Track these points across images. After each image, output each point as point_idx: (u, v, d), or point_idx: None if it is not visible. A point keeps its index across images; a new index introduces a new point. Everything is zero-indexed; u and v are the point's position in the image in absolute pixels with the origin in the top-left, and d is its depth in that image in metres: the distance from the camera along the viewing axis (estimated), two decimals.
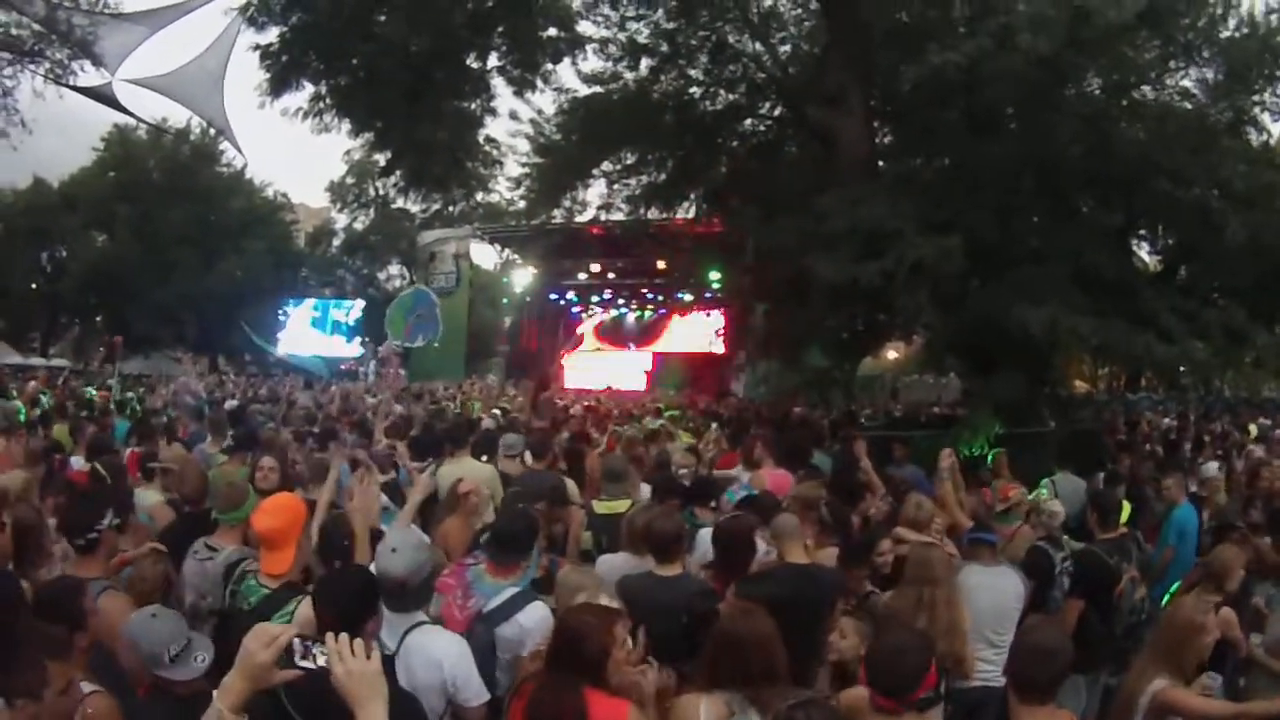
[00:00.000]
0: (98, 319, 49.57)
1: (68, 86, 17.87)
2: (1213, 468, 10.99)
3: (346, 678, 2.42)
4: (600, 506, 6.88)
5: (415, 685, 3.74)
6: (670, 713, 3.76)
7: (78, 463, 8.76)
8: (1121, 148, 11.42)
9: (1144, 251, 15.39)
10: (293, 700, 2.98)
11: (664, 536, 5.23)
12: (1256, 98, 12.19)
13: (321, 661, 2.46)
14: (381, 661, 2.65)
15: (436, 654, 3.89)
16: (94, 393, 19.58)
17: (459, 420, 13.26)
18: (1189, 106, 12.45)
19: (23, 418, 12.49)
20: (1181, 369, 12.20)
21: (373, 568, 3.97)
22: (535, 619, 4.55)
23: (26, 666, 3.27)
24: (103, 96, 17.25)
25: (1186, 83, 12.62)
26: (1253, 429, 19.59)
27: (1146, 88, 12.41)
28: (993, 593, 5.69)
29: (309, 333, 49.93)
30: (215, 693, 2.44)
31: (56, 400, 17.15)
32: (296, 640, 2.47)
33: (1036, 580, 6.57)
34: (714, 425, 14.16)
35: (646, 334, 42.91)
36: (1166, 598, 7.01)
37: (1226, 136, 12.01)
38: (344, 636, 2.50)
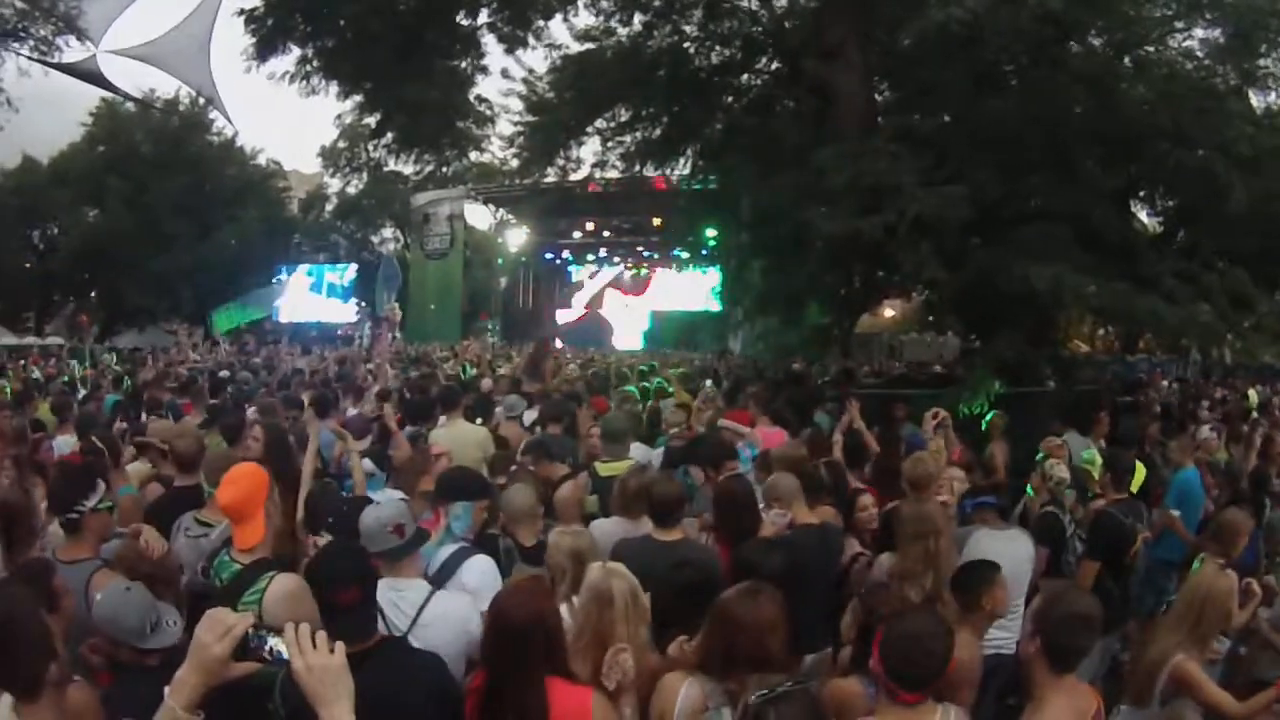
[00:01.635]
0: (92, 295, 49.33)
1: (53, 65, 17.67)
2: (1205, 430, 10.86)
3: (307, 673, 2.25)
4: (603, 469, 6.76)
5: (441, 652, 3.67)
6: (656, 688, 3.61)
7: (65, 442, 8.58)
8: (1125, 107, 11.24)
9: (1144, 214, 15.29)
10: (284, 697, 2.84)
11: (664, 500, 5.12)
12: (1262, 60, 11.99)
13: (280, 653, 2.29)
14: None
15: (462, 618, 3.88)
16: (80, 369, 19.43)
17: (450, 383, 13.08)
18: (1193, 67, 12.26)
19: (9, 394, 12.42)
20: (1184, 330, 12.05)
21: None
22: (478, 575, 4.50)
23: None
24: (88, 74, 17.06)
25: (1191, 43, 12.42)
26: (1252, 395, 19.42)
27: (1151, 47, 12.20)
28: (1006, 558, 5.53)
29: (308, 298, 49.78)
30: (167, 689, 2.27)
31: (45, 377, 17.02)
32: (251, 630, 2.30)
33: (1049, 545, 6.50)
34: (708, 383, 14.06)
35: (639, 286, 43.06)
36: None
37: (1232, 99, 11.81)
38: (304, 627, 2.32)
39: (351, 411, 10.15)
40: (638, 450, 7.59)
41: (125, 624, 3.55)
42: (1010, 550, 5.61)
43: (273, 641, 2.30)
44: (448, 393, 9.57)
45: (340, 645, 2.36)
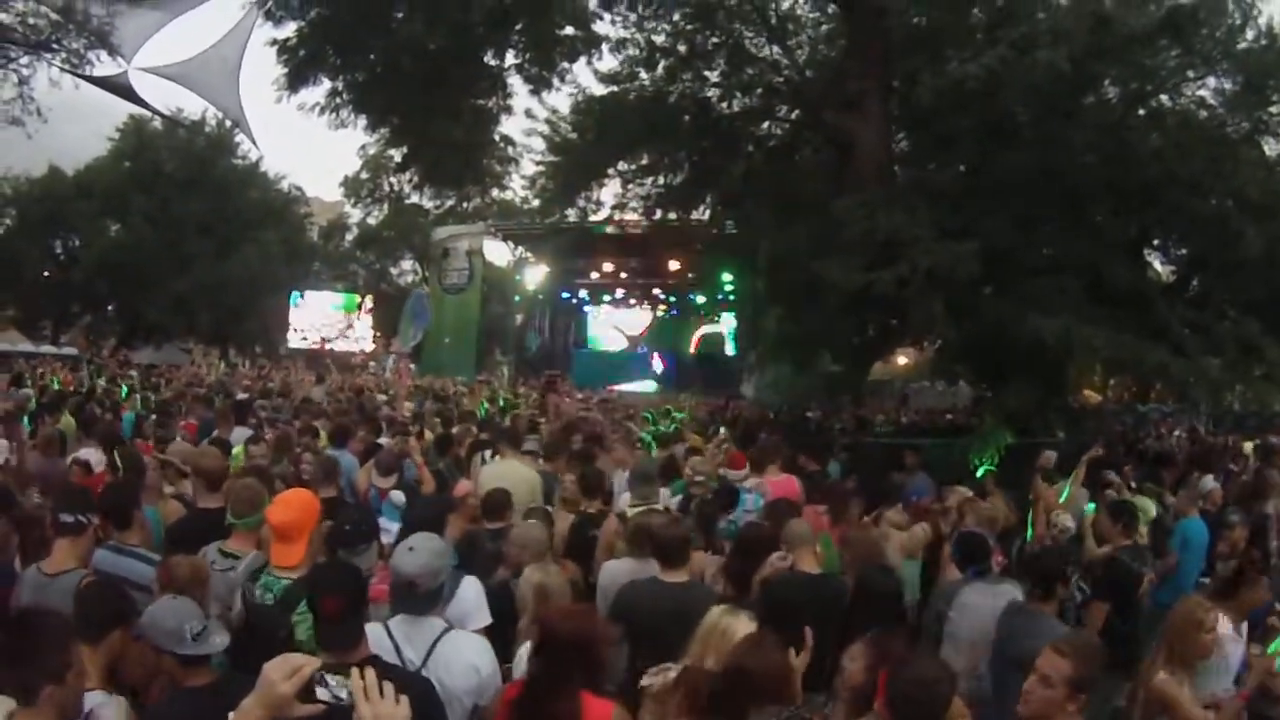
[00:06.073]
0: (109, 308, 49.50)
1: (83, 78, 17.98)
2: (1209, 481, 10.92)
3: None
4: (632, 511, 6.69)
5: (449, 690, 3.75)
6: None
7: (91, 455, 8.62)
8: (1139, 157, 11.37)
9: (1157, 262, 15.37)
10: None
11: (669, 542, 5.12)
12: (1274, 109, 12.13)
13: (343, 695, 2.35)
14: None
15: (473, 659, 3.92)
16: (98, 380, 19.60)
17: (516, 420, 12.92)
18: (1206, 116, 12.40)
19: (33, 406, 12.53)
20: (1192, 381, 12.10)
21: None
22: (474, 594, 4.68)
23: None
24: (118, 87, 17.35)
25: (1204, 93, 12.61)
26: (1247, 447, 19.27)
27: (1164, 97, 12.36)
28: (989, 612, 5.62)
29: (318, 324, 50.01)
30: (231, 715, 2.32)
31: (65, 388, 17.15)
32: (317, 673, 2.36)
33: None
34: (721, 429, 14.09)
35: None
36: None
37: (1244, 147, 11.96)
38: (370, 674, 2.38)
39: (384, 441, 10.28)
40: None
41: (167, 628, 3.64)
42: (995, 605, 5.64)
43: (334, 685, 2.37)
44: (513, 429, 9.55)
45: (405, 697, 2.41)
